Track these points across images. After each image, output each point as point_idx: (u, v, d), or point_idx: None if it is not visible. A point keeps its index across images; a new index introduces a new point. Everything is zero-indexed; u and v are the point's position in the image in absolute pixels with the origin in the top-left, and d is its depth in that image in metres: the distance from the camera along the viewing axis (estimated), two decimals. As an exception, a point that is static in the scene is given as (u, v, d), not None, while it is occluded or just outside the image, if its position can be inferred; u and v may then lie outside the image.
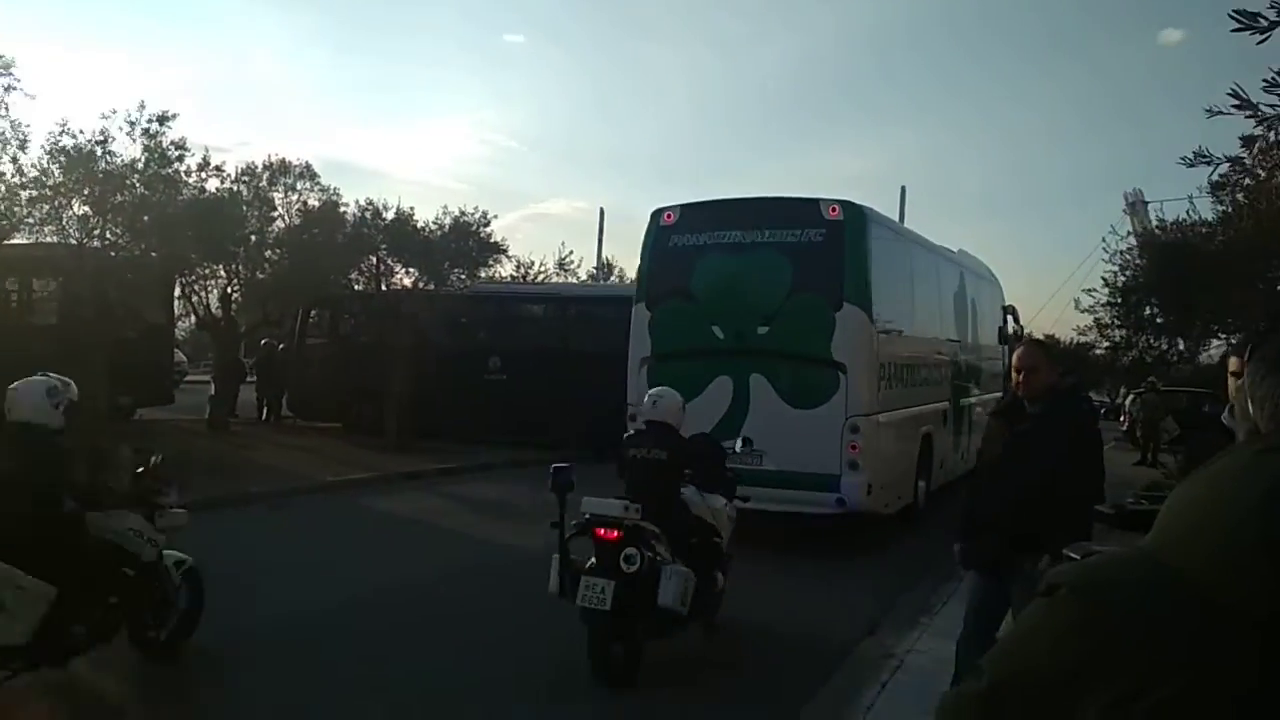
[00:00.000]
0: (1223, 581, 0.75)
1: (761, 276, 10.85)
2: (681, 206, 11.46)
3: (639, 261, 11.88)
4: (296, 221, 19.86)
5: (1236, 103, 3.18)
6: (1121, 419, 26.23)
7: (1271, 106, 3.02)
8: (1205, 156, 5.27)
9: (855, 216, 10.70)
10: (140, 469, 6.15)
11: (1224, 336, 10.68)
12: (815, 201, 10.75)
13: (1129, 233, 27.40)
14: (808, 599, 8.70)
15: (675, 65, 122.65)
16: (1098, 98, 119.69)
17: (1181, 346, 15.96)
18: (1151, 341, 16.37)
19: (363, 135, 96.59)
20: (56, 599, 5.23)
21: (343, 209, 20.45)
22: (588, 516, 6.30)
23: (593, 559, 6.26)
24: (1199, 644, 0.74)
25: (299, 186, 19.90)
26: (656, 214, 11.49)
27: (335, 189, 20.56)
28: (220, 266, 19.24)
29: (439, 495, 14.30)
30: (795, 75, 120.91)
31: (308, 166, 20.08)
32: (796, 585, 9.15)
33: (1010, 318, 17.11)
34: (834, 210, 10.60)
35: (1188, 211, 11.04)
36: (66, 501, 5.50)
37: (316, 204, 20.17)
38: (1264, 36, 2.87)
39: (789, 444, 9.93)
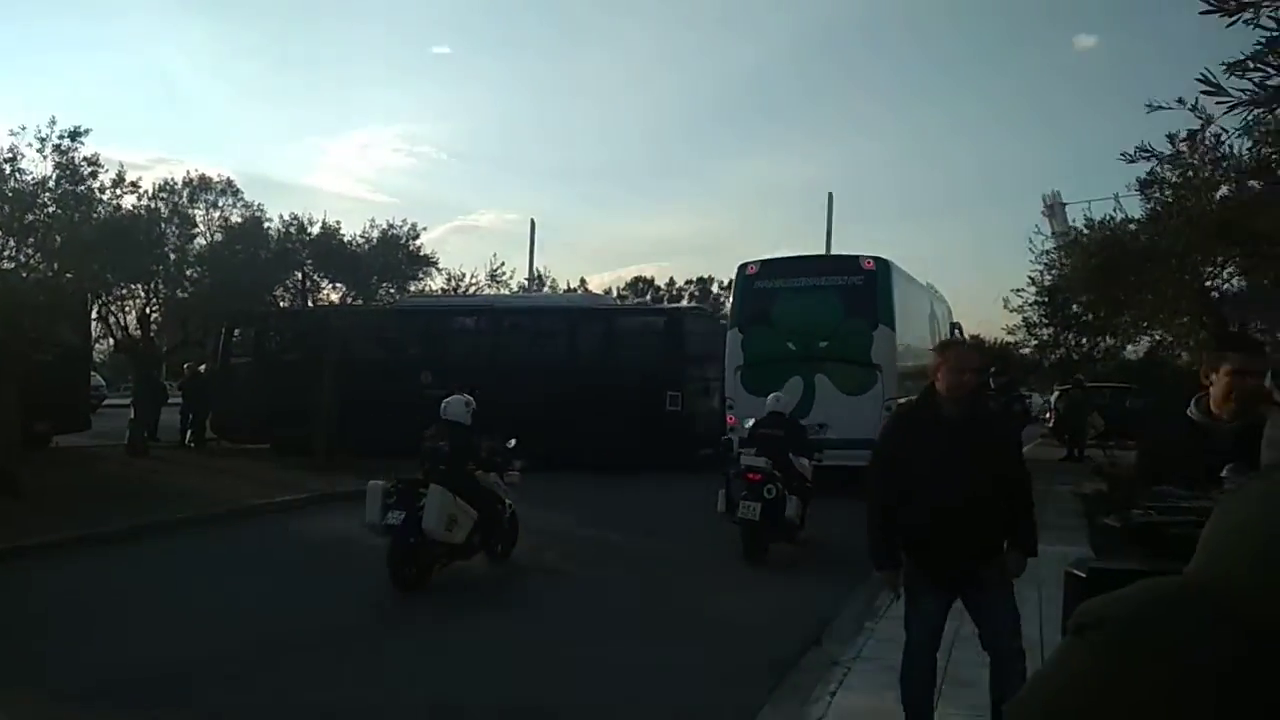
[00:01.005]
0: (1275, 610, 0.70)
1: (820, 308, 15.46)
2: (760, 261, 16.30)
3: (732, 298, 17.33)
4: (219, 238, 19.29)
5: (1207, 88, 3.14)
6: (1047, 416, 26.76)
7: (1242, 91, 3.00)
8: (1147, 151, 5.31)
9: (882, 266, 15.38)
10: (496, 450, 10.09)
11: (1153, 333, 10.92)
12: (856, 257, 15.78)
13: (1052, 233, 28.05)
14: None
15: (604, 77, 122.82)
16: (1018, 100, 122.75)
17: (1107, 343, 16.28)
18: (1077, 340, 16.70)
19: (287, 150, 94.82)
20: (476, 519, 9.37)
21: (266, 224, 19.93)
22: (744, 466, 10.37)
23: (745, 491, 10.08)
24: (1254, 678, 0.69)
25: (221, 203, 19.36)
26: (742, 267, 16.37)
27: (259, 204, 20.07)
28: (138, 286, 18.59)
29: (373, 515, 13.93)
30: (723, 87, 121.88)
31: (229, 182, 19.55)
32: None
33: (957, 331, 20.87)
34: (869, 263, 15.38)
35: (1115, 210, 11.28)
36: (470, 465, 9.64)
37: (239, 220, 19.62)
38: (1233, 19, 2.85)
39: (844, 420, 13.56)
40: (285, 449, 19.13)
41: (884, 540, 4.68)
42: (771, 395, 11.38)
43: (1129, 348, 16.90)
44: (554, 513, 13.06)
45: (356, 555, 10.90)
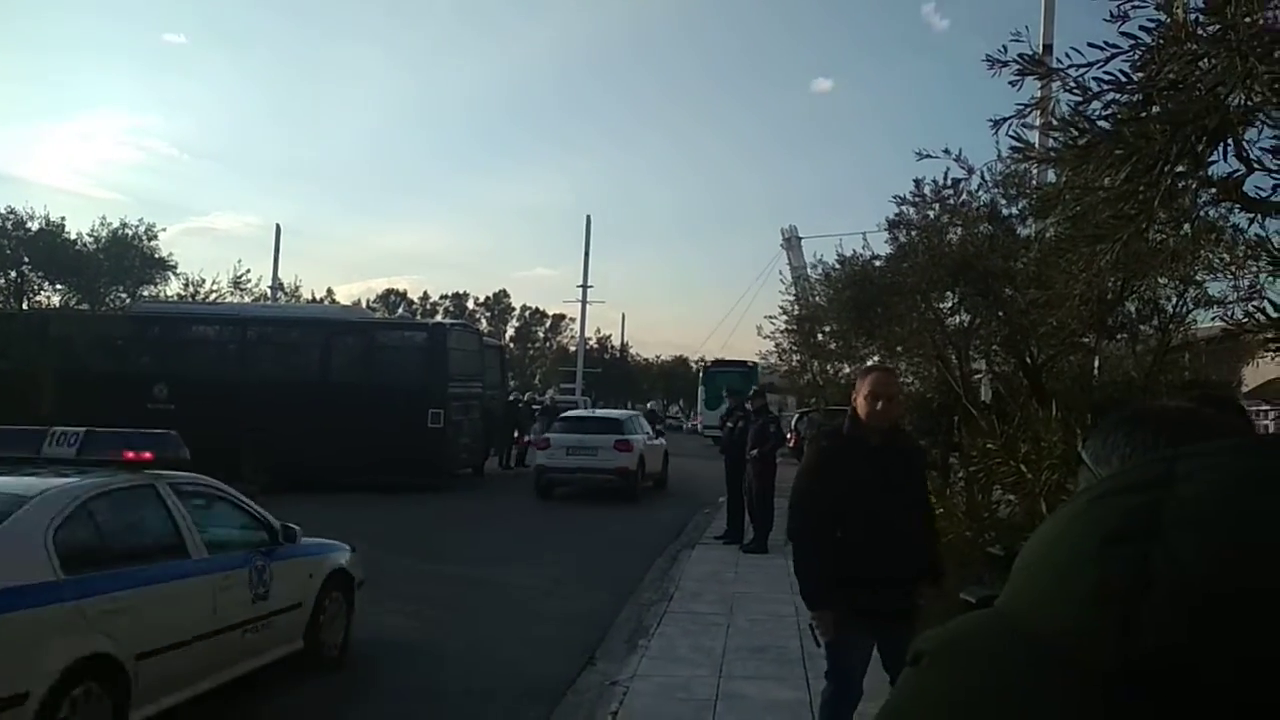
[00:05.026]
0: (1067, 636, 0.72)
1: (736, 378, 30.23)
2: (712, 360, 47.76)
3: (699, 375, 48.01)
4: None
5: (1017, 144, 3.44)
6: (789, 437, 28.26)
7: (1048, 149, 3.30)
8: (903, 197, 5.66)
9: (754, 369, 36.96)
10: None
11: (895, 361, 11.82)
12: (745, 360, 39.41)
13: (790, 265, 29.84)
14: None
15: (353, 79, 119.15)
16: (764, 134, 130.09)
17: (847, 370, 17.53)
18: (822, 366, 17.84)
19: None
20: None
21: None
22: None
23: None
24: (1056, 705, 0.71)
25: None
26: (704, 364, 49.53)
27: (-40, 194, 17.99)
28: None
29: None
30: (485, 96, 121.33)
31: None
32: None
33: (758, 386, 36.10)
34: (751, 363, 37.73)
35: (863, 246, 12.18)
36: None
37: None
38: (1043, 81, 3.13)
39: None
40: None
41: (818, 577, 4.30)
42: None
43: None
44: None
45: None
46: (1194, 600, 0.67)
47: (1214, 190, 3.89)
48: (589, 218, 55.72)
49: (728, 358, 45.57)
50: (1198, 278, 8.85)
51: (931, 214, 9.87)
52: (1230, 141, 3.41)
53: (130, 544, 5.56)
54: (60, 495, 5.12)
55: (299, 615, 6.61)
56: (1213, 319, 9.93)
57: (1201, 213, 4.92)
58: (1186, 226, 4.88)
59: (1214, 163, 3.57)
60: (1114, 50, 3.14)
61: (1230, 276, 8.60)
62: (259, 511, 6.65)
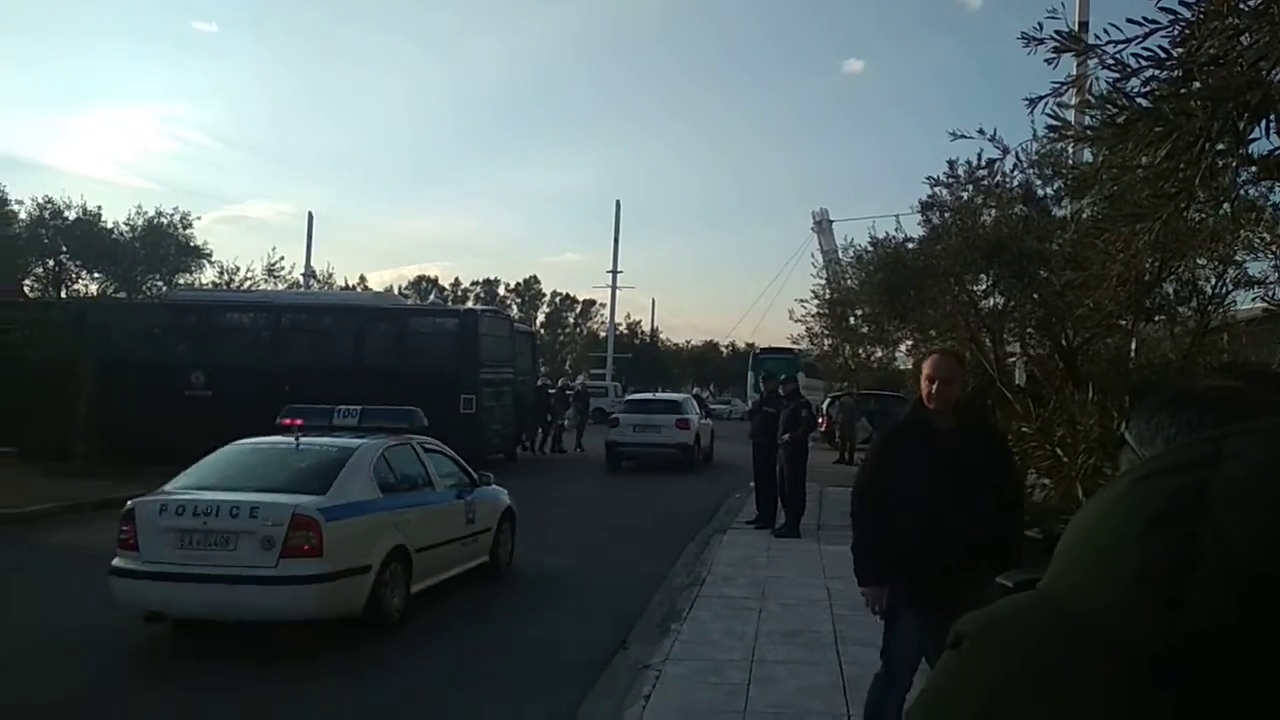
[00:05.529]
0: (1111, 618, 0.73)
1: (779, 363, 28.96)
2: (762, 348, 46.60)
3: (749, 363, 45.95)
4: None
5: (1054, 122, 3.39)
6: (820, 421, 28.23)
7: (1086, 127, 3.24)
8: (936, 179, 5.63)
9: (798, 355, 36.08)
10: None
11: (927, 345, 11.73)
12: (791, 348, 35.93)
13: (822, 249, 29.73)
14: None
15: (387, 63, 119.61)
16: (792, 118, 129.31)
17: (880, 353, 17.44)
18: (854, 350, 17.78)
19: (28, 125, 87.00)
20: None
21: (14, 206, 18.17)
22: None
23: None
24: (1099, 687, 0.72)
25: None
26: (755, 350, 47.82)
27: (-1, 186, 18.26)
28: None
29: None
30: (513, 82, 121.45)
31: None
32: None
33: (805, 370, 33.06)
34: (792, 352, 35.74)
35: (896, 229, 12.07)
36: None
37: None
38: (1081, 58, 3.07)
39: None
40: (36, 453, 17.49)
41: (872, 555, 4.41)
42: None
43: (898, 358, 18.23)
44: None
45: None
46: (1242, 579, 0.66)
47: (1255, 168, 3.82)
48: (618, 203, 55.80)
49: (769, 344, 47.22)
50: (1237, 258, 8.72)
51: (965, 195, 9.78)
52: (1272, 118, 3.33)
53: (406, 479, 8.35)
54: (369, 447, 8.05)
55: (488, 537, 9.47)
56: (1253, 299, 9.78)
57: (1242, 191, 4.84)
58: (1226, 205, 4.80)
59: (1255, 140, 3.50)
60: (1153, 25, 3.08)
61: (1271, 256, 8.46)
62: (463, 463, 9.51)
